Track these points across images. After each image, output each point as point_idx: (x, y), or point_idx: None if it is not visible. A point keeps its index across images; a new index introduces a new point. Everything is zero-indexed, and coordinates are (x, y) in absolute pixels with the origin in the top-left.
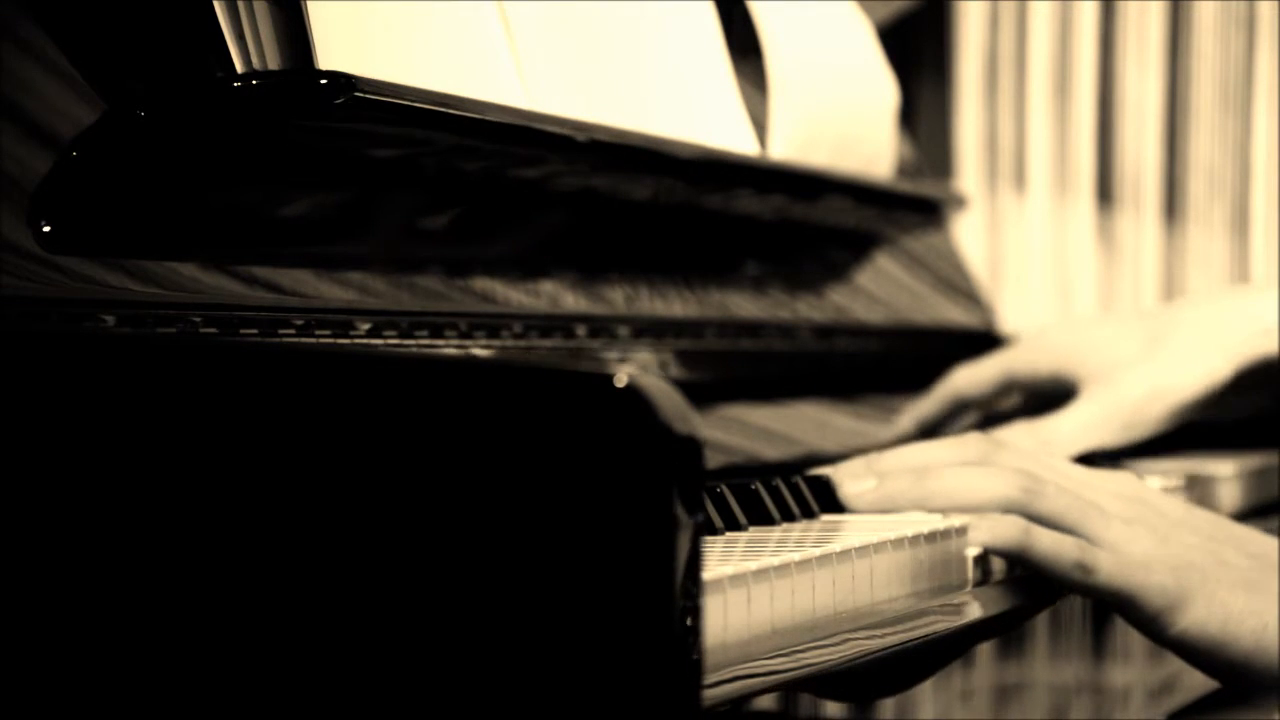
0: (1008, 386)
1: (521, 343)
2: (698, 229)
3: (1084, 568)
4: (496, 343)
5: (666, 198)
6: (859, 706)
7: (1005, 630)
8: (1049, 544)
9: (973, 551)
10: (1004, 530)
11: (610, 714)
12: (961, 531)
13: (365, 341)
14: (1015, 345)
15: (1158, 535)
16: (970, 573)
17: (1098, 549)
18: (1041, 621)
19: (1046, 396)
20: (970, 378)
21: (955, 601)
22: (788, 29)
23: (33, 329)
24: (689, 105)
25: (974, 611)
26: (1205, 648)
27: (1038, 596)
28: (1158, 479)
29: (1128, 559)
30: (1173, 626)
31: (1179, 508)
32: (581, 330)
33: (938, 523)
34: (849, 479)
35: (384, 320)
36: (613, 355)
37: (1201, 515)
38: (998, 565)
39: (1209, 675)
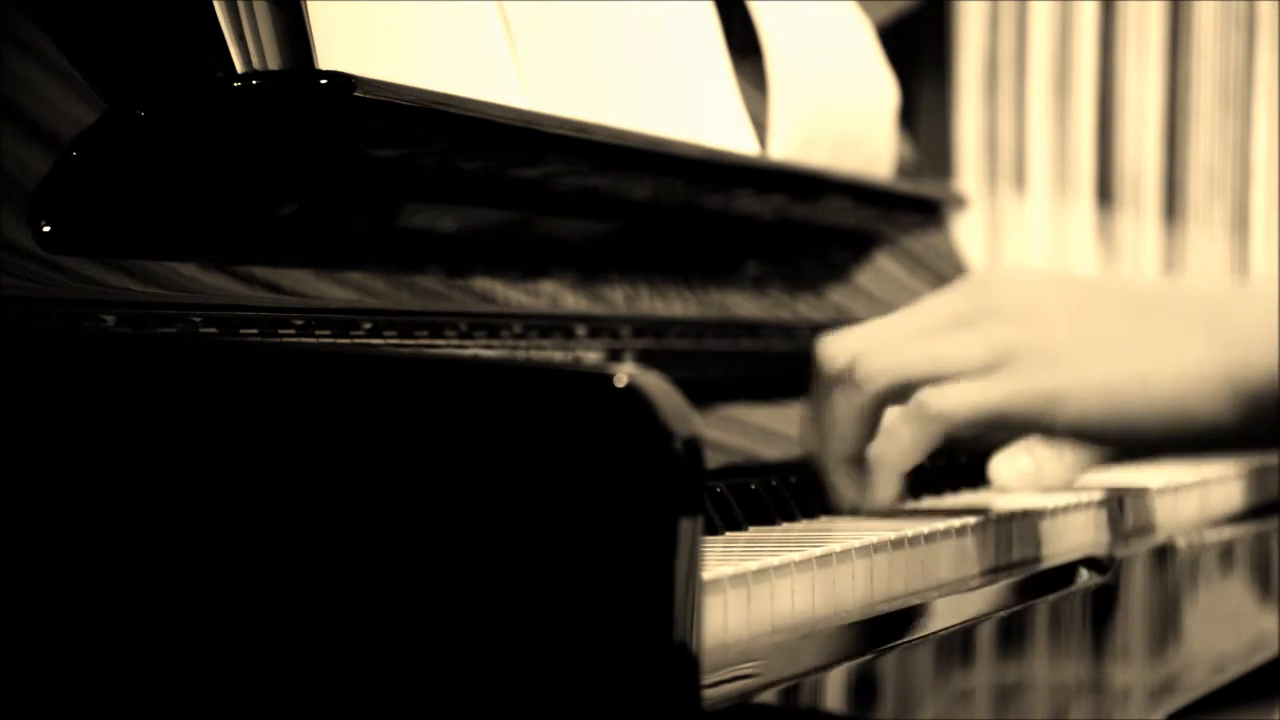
0: None
1: (521, 343)
2: (698, 229)
3: (937, 421)
4: (496, 342)
5: (666, 198)
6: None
7: (1007, 625)
8: (896, 451)
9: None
10: (879, 486)
11: (610, 714)
12: (962, 531)
13: (365, 341)
14: None
15: (1017, 321)
16: (956, 573)
17: (937, 391)
18: (1041, 621)
19: None
20: None
21: (955, 600)
22: (788, 29)
23: (33, 329)
24: (689, 105)
25: (974, 609)
26: (1094, 433)
27: (1038, 589)
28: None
29: (975, 385)
30: (1056, 425)
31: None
32: (581, 330)
33: (937, 523)
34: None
35: (384, 320)
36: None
37: (1053, 276)
38: (982, 560)
39: (1124, 451)
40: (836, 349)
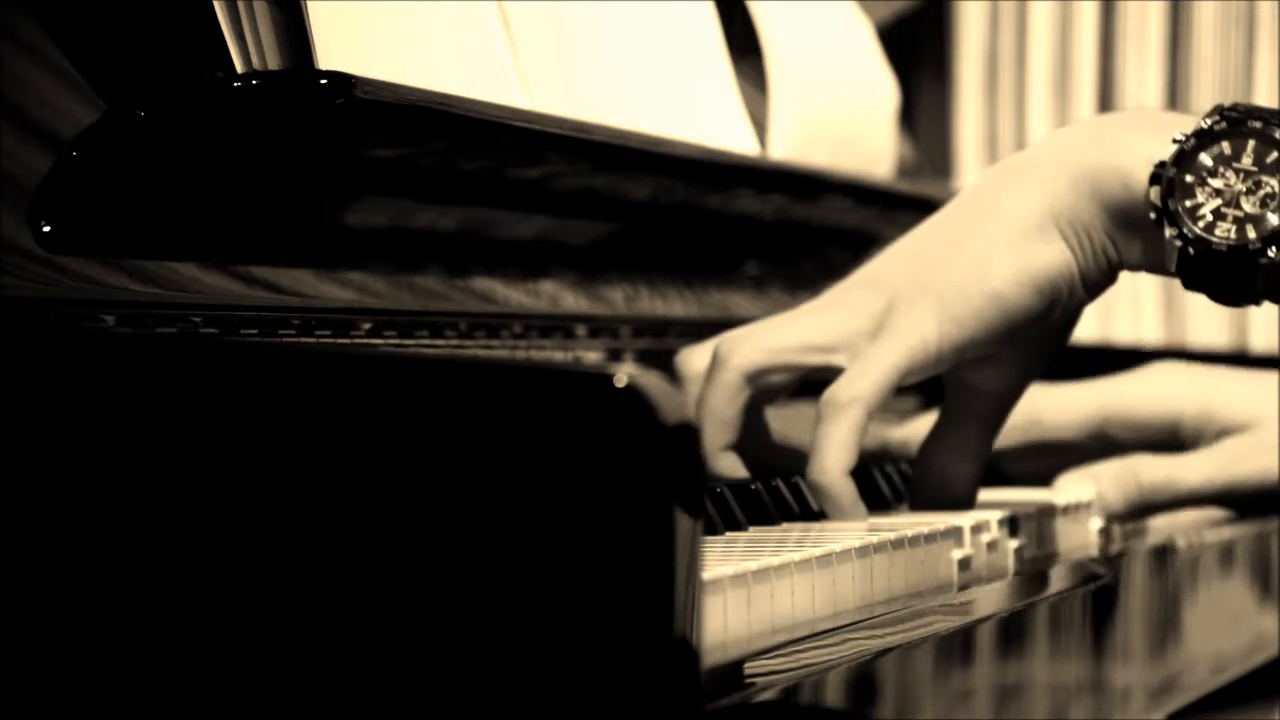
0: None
1: (521, 343)
2: (698, 229)
3: (855, 405)
4: (496, 342)
5: (666, 198)
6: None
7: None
8: (832, 445)
9: (958, 554)
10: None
11: (611, 714)
12: (961, 531)
13: (365, 341)
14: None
15: (869, 287)
16: (955, 572)
17: (844, 381)
18: (1041, 621)
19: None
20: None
21: (955, 601)
22: (788, 29)
23: (33, 329)
24: (689, 105)
25: (973, 610)
26: (984, 339)
27: (1037, 588)
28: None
29: (869, 360)
30: (944, 356)
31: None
32: (581, 330)
33: (937, 523)
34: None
35: (384, 320)
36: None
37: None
38: (981, 563)
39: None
40: (695, 353)
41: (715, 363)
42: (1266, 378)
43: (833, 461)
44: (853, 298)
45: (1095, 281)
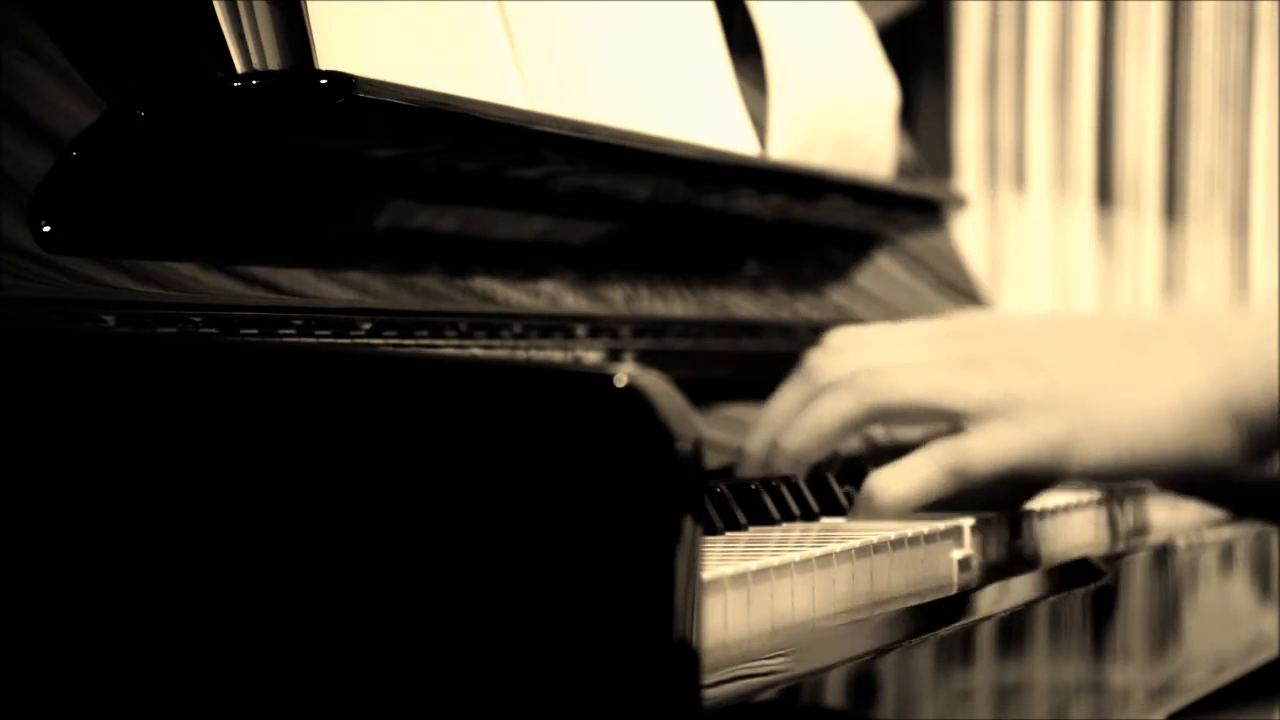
0: None
1: (521, 343)
2: (698, 229)
3: (958, 478)
4: (496, 342)
5: (666, 198)
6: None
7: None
8: (904, 489)
9: (958, 554)
10: (860, 515)
11: (611, 714)
12: (961, 531)
13: (365, 341)
14: None
15: (1025, 364)
16: (955, 572)
17: (962, 445)
18: (1041, 621)
19: None
20: None
21: (955, 600)
22: (788, 29)
23: (33, 329)
24: (689, 105)
25: (973, 610)
26: (1107, 475)
27: (1037, 588)
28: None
29: (996, 437)
30: (1068, 471)
31: (1010, 317)
32: (581, 330)
33: (937, 523)
34: (748, 472)
35: (384, 320)
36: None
37: (1051, 320)
38: (977, 562)
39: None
40: (838, 355)
41: (851, 383)
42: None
43: (906, 498)
44: (999, 370)
45: (1251, 463)
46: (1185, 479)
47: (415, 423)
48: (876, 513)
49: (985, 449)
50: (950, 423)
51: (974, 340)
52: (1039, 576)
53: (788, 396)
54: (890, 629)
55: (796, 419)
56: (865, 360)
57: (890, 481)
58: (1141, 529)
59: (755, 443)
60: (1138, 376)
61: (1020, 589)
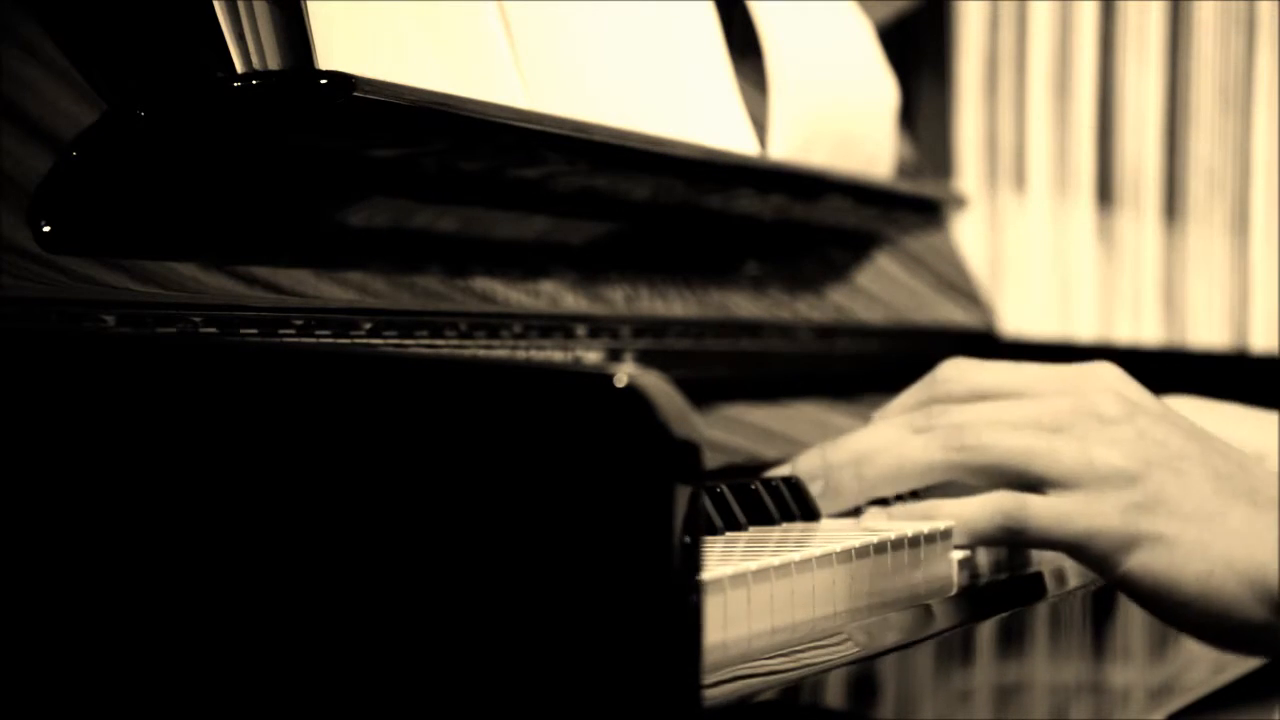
0: None
1: (521, 343)
2: (698, 229)
3: (1011, 528)
4: (496, 342)
5: (666, 198)
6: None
7: (1006, 626)
8: (958, 522)
9: (958, 555)
10: (914, 515)
11: (611, 714)
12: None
13: (365, 341)
14: None
15: (1122, 444)
16: (955, 572)
17: (1026, 500)
18: (1041, 621)
19: None
20: None
21: (955, 600)
22: (788, 29)
23: (33, 329)
24: (689, 105)
25: (973, 610)
26: (1149, 590)
27: (1037, 589)
28: None
29: (1062, 506)
30: (1118, 568)
31: (1151, 404)
32: (581, 330)
33: (937, 523)
34: (806, 477)
35: (384, 320)
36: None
37: (1175, 416)
38: (984, 561)
39: (1157, 617)
40: (940, 405)
41: (945, 435)
42: (1268, 419)
43: (969, 521)
44: (1097, 447)
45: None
46: (1203, 631)
47: (415, 423)
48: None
49: (1047, 516)
50: (1034, 488)
51: (1086, 403)
52: (1039, 576)
53: (883, 431)
54: (890, 629)
55: (882, 452)
56: (964, 415)
57: (948, 516)
58: None
59: (837, 454)
60: (1240, 525)
61: (1020, 589)
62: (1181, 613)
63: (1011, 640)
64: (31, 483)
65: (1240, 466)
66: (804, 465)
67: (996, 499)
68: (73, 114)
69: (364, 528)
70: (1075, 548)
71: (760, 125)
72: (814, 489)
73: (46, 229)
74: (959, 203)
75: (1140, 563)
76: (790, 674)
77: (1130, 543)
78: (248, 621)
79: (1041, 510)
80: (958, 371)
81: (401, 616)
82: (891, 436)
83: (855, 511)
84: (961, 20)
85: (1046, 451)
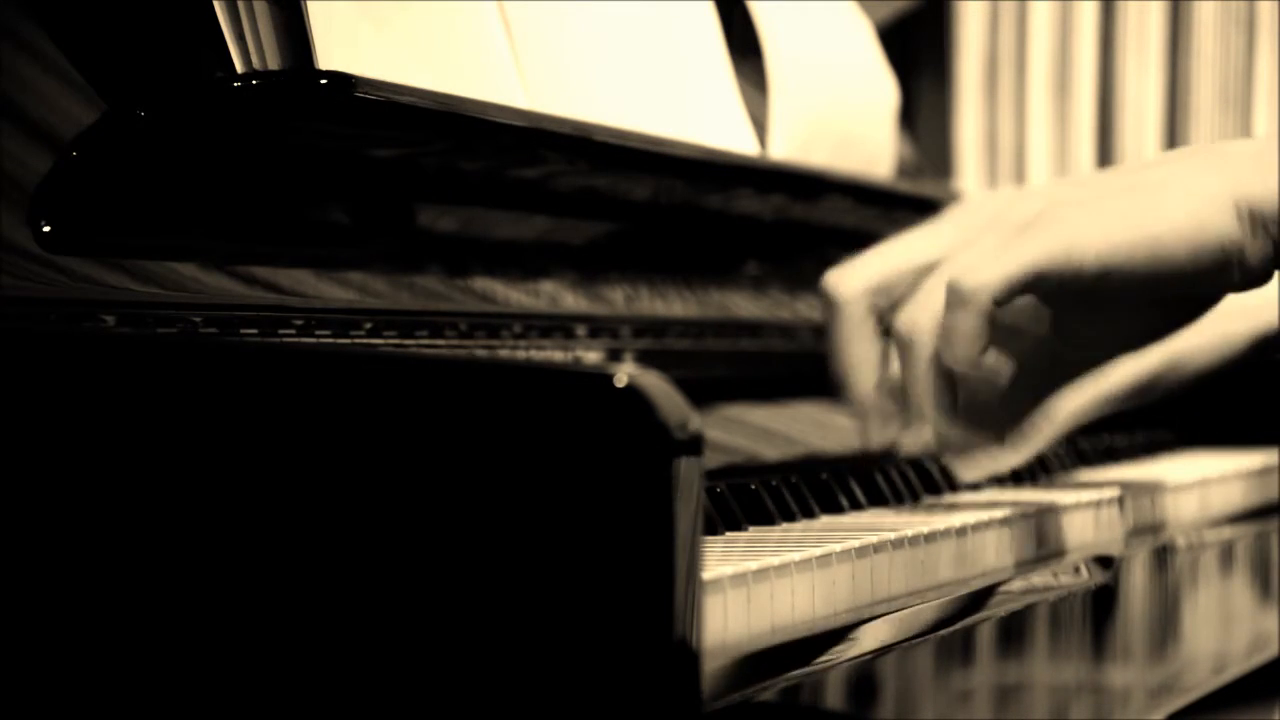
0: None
1: (521, 343)
2: (698, 229)
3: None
4: (496, 342)
5: (666, 198)
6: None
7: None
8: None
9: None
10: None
11: (611, 714)
12: (962, 532)
13: (365, 341)
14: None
15: (999, 222)
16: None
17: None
18: (1041, 621)
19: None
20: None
21: (955, 600)
22: (788, 29)
23: (33, 329)
24: (689, 105)
25: (973, 610)
26: (1122, 264)
27: (1037, 588)
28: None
29: (1008, 247)
30: (1085, 267)
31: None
32: (581, 330)
33: (937, 523)
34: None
35: (384, 320)
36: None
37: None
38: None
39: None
40: (848, 280)
41: (950, 296)
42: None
43: (963, 353)
44: (1006, 224)
45: (1253, 276)
46: (1193, 273)
47: (414, 423)
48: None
49: (993, 266)
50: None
51: (975, 213)
52: (1039, 576)
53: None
54: (890, 628)
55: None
56: (868, 272)
57: (951, 353)
58: (1141, 529)
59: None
60: (1146, 185)
61: (1020, 589)
62: (1175, 268)
63: (1011, 640)
64: (32, 482)
65: (1141, 163)
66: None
67: (948, 303)
68: (73, 114)
69: (364, 528)
70: (1034, 280)
71: (760, 125)
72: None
73: (46, 229)
74: (959, 202)
75: (1103, 249)
76: (790, 674)
77: (1076, 241)
78: (248, 619)
79: (984, 269)
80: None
81: (402, 616)
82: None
83: (857, 508)
84: (961, 20)
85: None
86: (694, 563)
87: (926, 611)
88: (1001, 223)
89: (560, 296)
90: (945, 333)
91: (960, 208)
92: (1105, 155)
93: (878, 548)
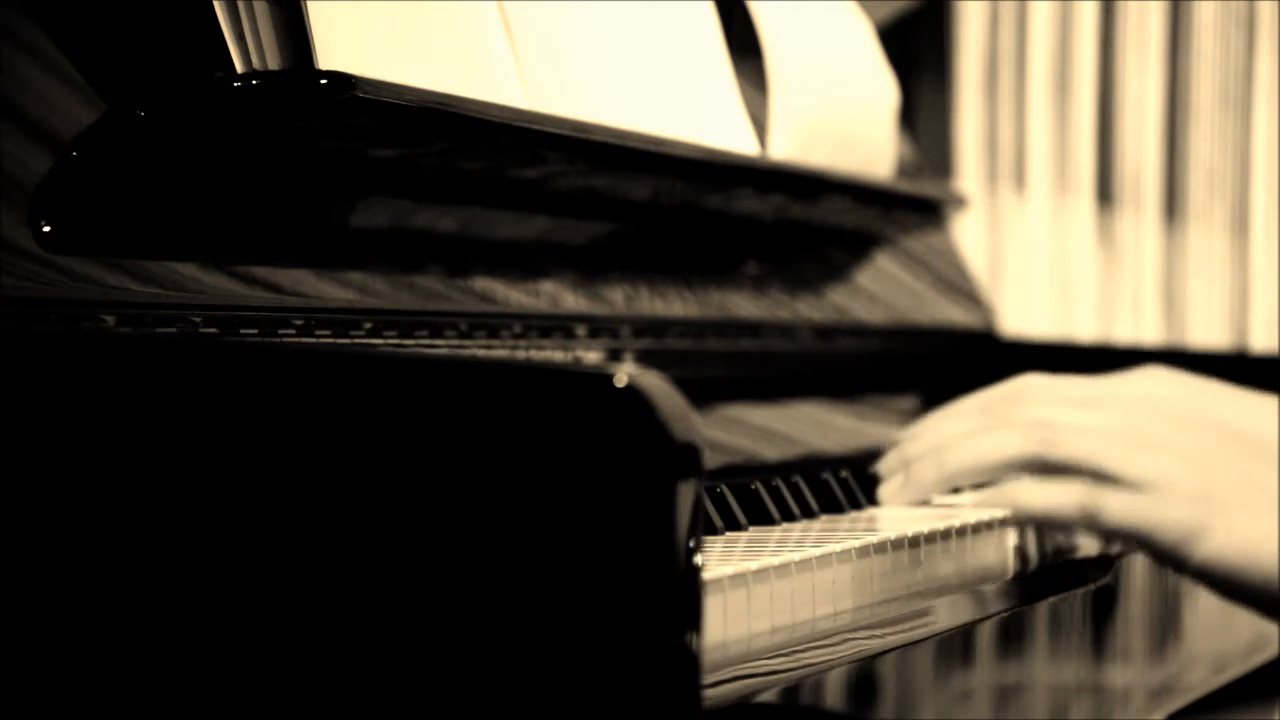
0: None
1: (521, 343)
2: (698, 229)
3: (1088, 513)
4: (496, 342)
5: (666, 198)
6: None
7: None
8: (1041, 500)
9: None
10: (995, 502)
11: (611, 714)
12: (961, 533)
13: (365, 341)
14: None
15: (1184, 457)
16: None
17: (1104, 492)
18: (1041, 621)
19: None
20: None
21: (954, 600)
22: (788, 29)
23: (33, 329)
24: (689, 105)
25: (973, 610)
26: (1223, 575)
27: (1037, 588)
28: None
29: (1134, 500)
30: (1192, 558)
31: (1205, 409)
32: (581, 330)
33: (937, 523)
34: (884, 482)
35: (384, 320)
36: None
37: (1228, 425)
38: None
39: (1234, 602)
40: (1019, 402)
41: (1026, 428)
42: (1266, 401)
43: (1030, 510)
44: (1164, 455)
45: None
46: None
47: (414, 423)
48: (1002, 505)
49: (1122, 507)
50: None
51: (1154, 420)
52: (1039, 576)
53: (958, 420)
54: (890, 629)
55: (964, 442)
56: (1044, 413)
57: (1031, 493)
58: None
59: (915, 449)
60: None
61: (1020, 589)
62: (1260, 594)
63: (1011, 640)
64: (32, 482)
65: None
66: (883, 465)
67: (1079, 488)
68: (73, 114)
69: (364, 528)
70: (1146, 536)
71: (760, 125)
72: (893, 484)
73: (46, 229)
74: (959, 203)
75: (1213, 550)
76: (790, 674)
77: (1201, 532)
78: (248, 619)
79: (1116, 501)
80: (1031, 379)
81: (403, 616)
82: (964, 426)
83: (857, 506)
84: (961, 20)
85: (1122, 456)
86: (694, 563)
87: (926, 612)
88: (1162, 463)
89: (560, 296)
90: (1043, 488)
91: (1152, 400)
92: (1105, 155)
93: (878, 548)
